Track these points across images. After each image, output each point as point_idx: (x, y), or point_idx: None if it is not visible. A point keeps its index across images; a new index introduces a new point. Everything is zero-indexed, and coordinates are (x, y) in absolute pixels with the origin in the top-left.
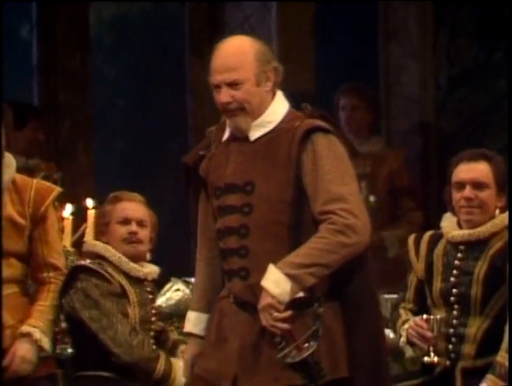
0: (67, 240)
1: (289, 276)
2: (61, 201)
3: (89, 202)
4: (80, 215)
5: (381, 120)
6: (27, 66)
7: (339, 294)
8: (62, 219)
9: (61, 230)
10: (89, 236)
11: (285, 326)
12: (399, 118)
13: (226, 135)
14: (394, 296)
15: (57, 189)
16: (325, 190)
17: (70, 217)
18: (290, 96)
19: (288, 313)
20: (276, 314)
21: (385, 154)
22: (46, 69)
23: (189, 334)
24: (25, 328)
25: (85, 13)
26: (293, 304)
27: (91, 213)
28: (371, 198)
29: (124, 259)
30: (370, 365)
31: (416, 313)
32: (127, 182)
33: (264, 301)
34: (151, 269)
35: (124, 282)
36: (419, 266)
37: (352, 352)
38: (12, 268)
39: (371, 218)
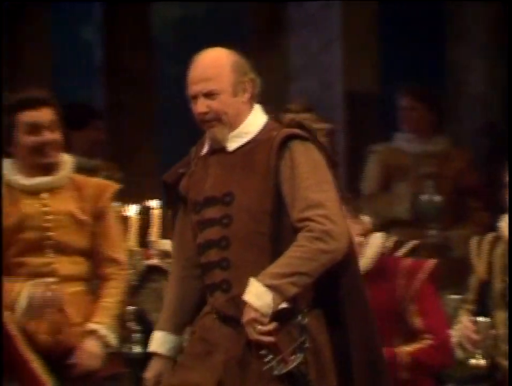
0: (132, 240)
1: (270, 287)
2: (124, 201)
3: (153, 203)
4: (143, 215)
5: (447, 120)
6: (90, 67)
7: (324, 303)
8: (126, 218)
9: (126, 230)
10: (154, 236)
11: (270, 339)
12: (465, 118)
13: (205, 149)
14: (459, 297)
15: (115, 185)
16: (302, 197)
17: (135, 217)
18: (353, 95)
19: (272, 325)
20: (259, 327)
21: (451, 154)
22: (109, 70)
23: (154, 354)
24: (91, 325)
25: (148, 13)
26: (277, 316)
27: (155, 213)
28: (437, 198)
29: None
30: (362, 374)
31: (477, 314)
32: None
33: (247, 315)
34: None
35: None
36: (480, 267)
37: (342, 362)
38: (77, 266)
39: (438, 218)
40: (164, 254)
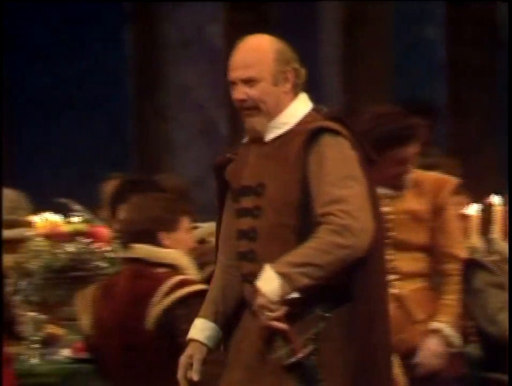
0: (473, 238)
1: (280, 274)
2: (465, 197)
3: (495, 199)
4: (485, 213)
5: None
6: (433, 65)
7: (346, 299)
8: (467, 215)
9: (466, 227)
10: (495, 233)
11: (280, 325)
12: None
13: (247, 137)
14: None
15: (455, 180)
16: (326, 191)
17: (477, 215)
18: None
19: (281, 312)
20: (268, 313)
21: None
22: (451, 68)
23: (192, 340)
24: (434, 324)
25: (493, 12)
26: (293, 305)
27: (497, 210)
28: None
29: None
30: (369, 374)
31: None
32: None
33: (257, 300)
34: None
35: None
36: None
37: (354, 362)
38: (417, 262)
39: None
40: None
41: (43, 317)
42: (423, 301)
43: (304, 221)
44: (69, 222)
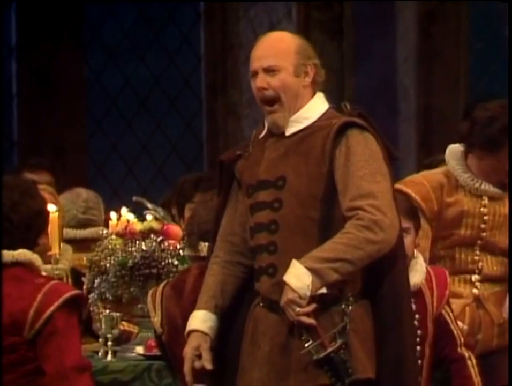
0: None
1: (311, 270)
2: None
3: None
4: None
5: None
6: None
7: (371, 294)
8: None
9: None
10: None
11: (309, 320)
12: None
13: (264, 132)
14: None
15: None
16: (355, 185)
17: None
18: None
19: (311, 307)
20: (298, 309)
21: None
22: None
23: (193, 331)
24: None
25: None
26: (320, 300)
27: None
28: None
29: None
30: (394, 369)
31: None
32: None
33: (286, 295)
34: None
35: None
36: None
37: (379, 354)
38: (501, 266)
39: None
40: None
41: (117, 314)
42: (502, 304)
43: (327, 214)
44: (142, 220)
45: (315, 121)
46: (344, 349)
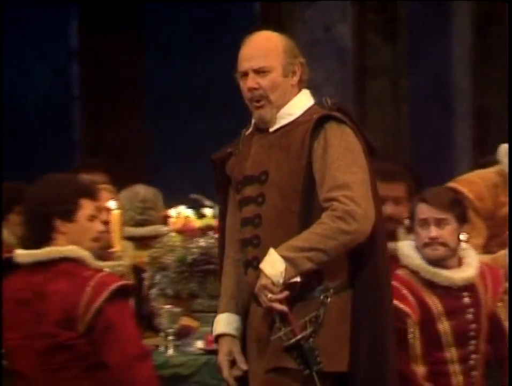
0: None
1: (285, 258)
2: None
3: None
4: None
5: None
6: None
7: (351, 286)
8: None
9: None
10: None
11: (280, 307)
12: None
13: (250, 129)
14: None
15: None
16: (331, 177)
17: None
18: None
19: (283, 294)
20: (270, 295)
21: None
22: None
23: (222, 335)
24: None
25: None
26: (295, 288)
27: None
28: None
29: None
30: (370, 363)
31: None
32: None
33: (259, 281)
34: None
35: None
36: None
37: (355, 347)
38: None
39: None
40: None
41: (177, 309)
42: None
43: (307, 206)
44: (200, 217)
45: (298, 117)
46: (314, 338)
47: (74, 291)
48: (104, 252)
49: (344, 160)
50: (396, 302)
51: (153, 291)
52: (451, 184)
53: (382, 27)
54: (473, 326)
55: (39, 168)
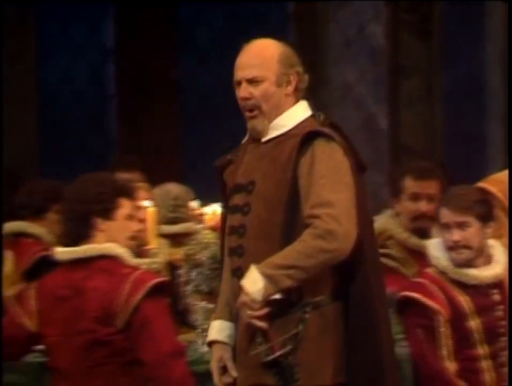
0: None
1: (265, 275)
2: None
3: None
4: None
5: None
6: None
7: (335, 300)
8: None
9: None
10: None
11: (260, 323)
12: None
13: (246, 137)
14: None
15: None
16: (315, 194)
17: None
18: None
19: (263, 311)
20: (249, 312)
21: None
22: None
23: (213, 342)
24: None
25: None
26: (276, 305)
27: None
28: None
29: None
30: (369, 374)
31: None
32: None
33: (240, 298)
34: None
35: None
36: None
37: (351, 360)
38: None
39: None
40: None
41: (211, 306)
42: None
43: (291, 219)
44: None
45: (291, 129)
46: (293, 355)
47: (113, 288)
48: (140, 249)
49: (330, 177)
50: (424, 299)
51: (189, 288)
52: (481, 184)
53: (415, 26)
54: (503, 322)
55: (77, 166)
